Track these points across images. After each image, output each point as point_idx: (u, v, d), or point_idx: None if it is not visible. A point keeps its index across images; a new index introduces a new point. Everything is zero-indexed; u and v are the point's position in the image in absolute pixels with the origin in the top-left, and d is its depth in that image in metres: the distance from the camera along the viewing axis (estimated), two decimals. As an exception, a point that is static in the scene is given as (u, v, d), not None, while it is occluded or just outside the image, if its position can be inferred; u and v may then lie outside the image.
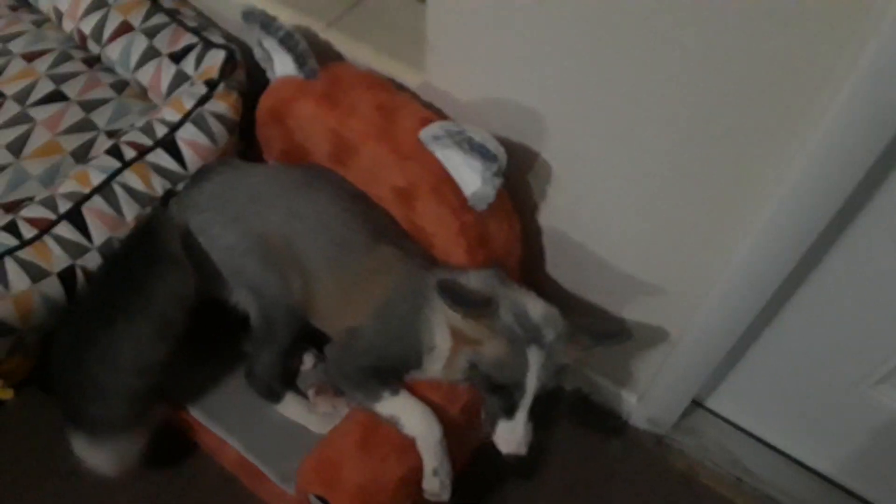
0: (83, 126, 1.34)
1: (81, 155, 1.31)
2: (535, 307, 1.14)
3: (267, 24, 1.26)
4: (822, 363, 1.35)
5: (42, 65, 1.39)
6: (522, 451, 1.12)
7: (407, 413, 1.19)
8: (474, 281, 1.17)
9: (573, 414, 1.66)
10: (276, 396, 1.34)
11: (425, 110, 1.26)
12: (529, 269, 1.42)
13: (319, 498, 1.18)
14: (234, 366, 1.39)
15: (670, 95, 1.00)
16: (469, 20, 1.12)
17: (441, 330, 1.17)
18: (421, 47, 1.28)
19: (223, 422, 1.36)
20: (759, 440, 1.59)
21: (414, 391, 1.22)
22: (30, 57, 1.40)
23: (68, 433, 1.20)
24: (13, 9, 1.51)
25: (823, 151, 0.93)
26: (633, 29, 0.96)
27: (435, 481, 1.18)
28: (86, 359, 1.15)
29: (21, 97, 1.34)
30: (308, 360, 1.43)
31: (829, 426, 1.45)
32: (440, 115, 1.30)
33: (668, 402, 1.54)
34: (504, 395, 1.11)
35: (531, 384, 1.09)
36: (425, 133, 1.18)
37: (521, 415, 1.11)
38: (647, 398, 1.56)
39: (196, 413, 1.38)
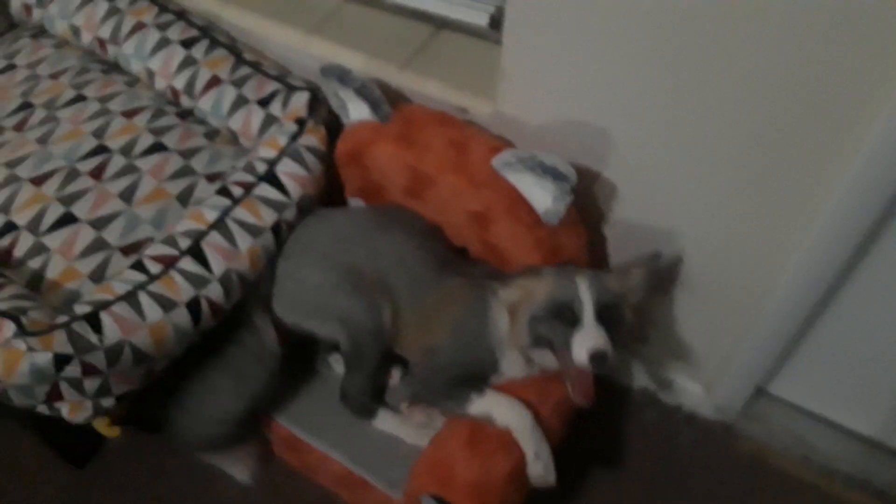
0: (184, 172, 1.47)
1: (185, 197, 1.44)
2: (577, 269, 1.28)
3: (344, 77, 1.40)
4: (879, 338, 1.45)
5: (141, 120, 1.53)
6: (602, 345, 1.16)
7: (496, 407, 1.30)
8: None
9: (645, 411, 1.76)
10: (370, 413, 1.45)
11: (493, 140, 1.40)
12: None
13: (434, 497, 1.28)
14: (332, 386, 1.49)
15: (735, 107, 1.13)
16: (542, 51, 1.26)
17: (504, 330, 1.29)
18: (489, 79, 1.42)
19: (326, 437, 1.47)
20: (821, 419, 1.69)
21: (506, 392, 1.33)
22: (129, 114, 1.54)
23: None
24: (105, 72, 1.65)
25: (881, 142, 1.05)
26: (700, 47, 1.09)
27: (538, 465, 1.28)
28: (173, 407, 1.40)
29: (126, 150, 1.47)
30: (396, 376, 1.54)
31: (890, 397, 1.55)
32: (506, 142, 1.43)
33: (735, 389, 1.64)
34: (567, 316, 1.19)
35: (586, 295, 1.19)
36: (498, 160, 1.31)
37: (589, 319, 1.18)
38: (714, 387, 1.67)
39: (299, 432, 1.49)
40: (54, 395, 1.18)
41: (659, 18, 1.10)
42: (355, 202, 1.59)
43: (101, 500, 1.66)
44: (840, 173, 1.13)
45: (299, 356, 1.54)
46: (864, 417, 1.64)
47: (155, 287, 1.25)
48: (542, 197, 1.30)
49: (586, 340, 1.17)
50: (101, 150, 1.47)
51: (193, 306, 1.27)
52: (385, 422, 1.45)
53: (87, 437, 1.66)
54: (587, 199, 1.43)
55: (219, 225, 1.33)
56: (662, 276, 1.47)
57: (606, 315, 1.20)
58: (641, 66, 1.17)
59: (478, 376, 1.35)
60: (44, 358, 1.13)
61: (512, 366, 1.33)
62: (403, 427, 1.44)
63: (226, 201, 1.36)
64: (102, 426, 1.52)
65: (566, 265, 1.29)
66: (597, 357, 1.16)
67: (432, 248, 1.43)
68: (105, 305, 1.20)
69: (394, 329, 1.41)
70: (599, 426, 1.72)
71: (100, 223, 1.38)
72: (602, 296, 1.20)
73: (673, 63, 1.14)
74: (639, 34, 1.13)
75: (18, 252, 1.34)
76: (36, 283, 1.32)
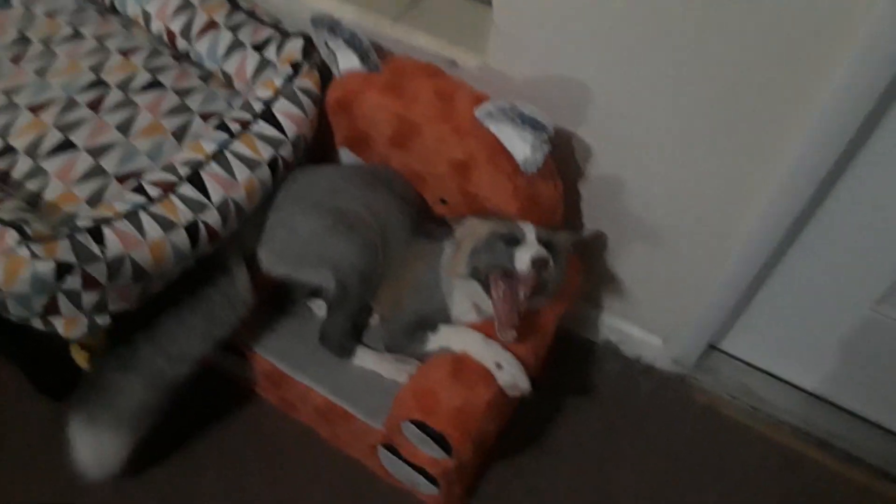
0: (180, 109, 1.51)
1: (181, 134, 1.49)
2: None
3: (334, 27, 1.46)
4: (822, 294, 1.58)
5: (137, 59, 1.57)
6: (544, 254, 1.29)
7: (449, 336, 1.43)
8: None
9: (607, 361, 1.87)
10: (349, 352, 1.52)
11: (477, 92, 1.47)
12: (569, 226, 1.64)
13: (416, 424, 1.36)
14: (313, 326, 1.56)
15: (711, 59, 1.23)
16: (532, 6, 1.34)
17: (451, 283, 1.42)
18: (478, 35, 1.50)
19: (307, 371, 1.53)
20: (769, 374, 1.82)
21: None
22: (126, 53, 1.57)
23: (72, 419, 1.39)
24: (100, 13, 1.68)
25: (834, 102, 1.17)
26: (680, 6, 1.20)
27: (504, 374, 1.36)
28: (144, 341, 1.39)
29: (123, 85, 1.51)
30: (374, 319, 1.61)
31: (832, 352, 1.68)
32: (490, 96, 1.50)
33: (690, 343, 1.76)
34: (509, 239, 1.33)
35: (528, 227, 1.35)
36: (480, 111, 1.40)
37: (531, 239, 1.33)
38: (672, 341, 1.78)
39: (282, 365, 1.55)
40: (51, 308, 1.22)
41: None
42: (343, 151, 1.65)
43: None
44: (796, 134, 1.24)
45: (281, 296, 1.60)
46: (807, 373, 1.77)
47: (155, 208, 1.30)
48: (521, 146, 1.39)
49: (529, 249, 1.30)
50: (98, 83, 1.51)
51: (192, 229, 1.32)
52: (364, 359, 1.52)
53: (64, 369, 1.68)
54: (565, 153, 1.53)
55: (218, 156, 1.39)
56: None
57: (545, 245, 1.33)
58: (621, 22, 1.27)
59: (434, 321, 1.46)
60: (46, 266, 1.16)
61: (461, 312, 1.45)
62: (382, 363, 1.51)
63: (224, 136, 1.41)
64: (80, 358, 1.55)
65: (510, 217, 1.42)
66: (538, 262, 1.28)
67: (409, 211, 1.55)
68: (107, 221, 1.25)
69: (379, 274, 1.50)
70: (565, 376, 1.82)
71: (97, 151, 1.42)
72: (542, 232, 1.35)
73: (650, 17, 1.24)
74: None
75: (17, 174, 1.38)
76: (34, 203, 1.35)
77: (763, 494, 1.68)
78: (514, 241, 1.33)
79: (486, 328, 1.41)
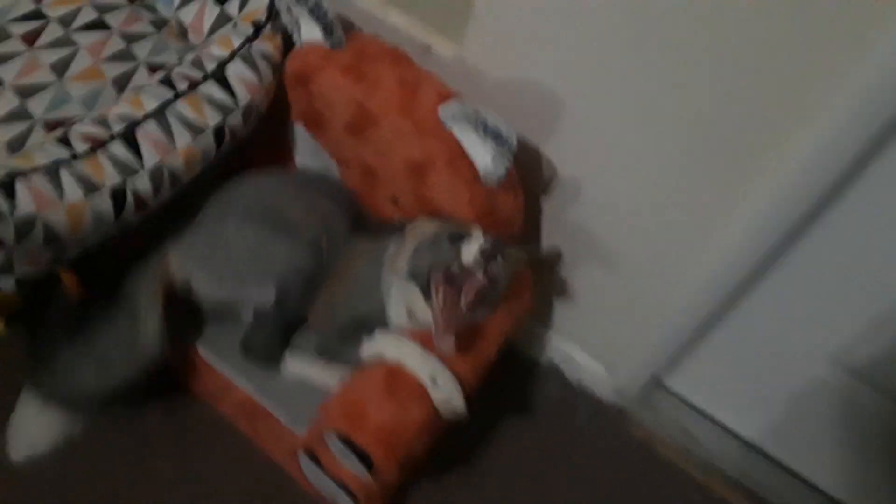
0: (124, 55, 1.38)
1: (122, 83, 1.35)
2: None
3: None
4: (775, 346, 1.53)
5: (86, -7, 1.43)
6: (493, 247, 1.20)
7: (384, 343, 1.31)
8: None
9: (548, 383, 1.80)
10: (276, 362, 1.40)
11: (444, 87, 1.37)
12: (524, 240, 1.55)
13: (340, 438, 1.25)
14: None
15: (693, 81, 1.15)
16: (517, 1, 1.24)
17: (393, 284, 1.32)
18: (456, 20, 1.38)
19: (232, 363, 1.41)
20: (709, 417, 1.76)
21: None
22: (73, -16, 1.43)
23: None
24: (52, -64, 1.53)
25: (811, 154, 1.11)
26: (669, 20, 1.11)
27: (439, 392, 1.26)
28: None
29: (65, 21, 1.37)
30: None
31: (776, 405, 1.63)
32: (457, 93, 1.40)
33: (633, 375, 1.70)
34: (455, 239, 1.23)
35: (475, 229, 1.25)
36: (444, 111, 1.29)
37: (478, 236, 1.23)
38: (615, 371, 1.72)
39: (205, 352, 1.43)
40: (-52, 265, 1.09)
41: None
42: (298, 128, 1.53)
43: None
44: (767, 179, 1.18)
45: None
46: (747, 421, 1.73)
47: (78, 165, 1.17)
48: (483, 155, 1.29)
49: (476, 242, 1.21)
50: (37, 15, 1.36)
51: (118, 194, 1.20)
52: (294, 367, 1.40)
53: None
54: (530, 162, 1.43)
55: (157, 115, 1.25)
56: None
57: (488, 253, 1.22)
58: (609, 36, 1.19)
59: (369, 324, 1.35)
60: (-59, 216, 1.03)
61: (397, 315, 1.34)
62: (313, 370, 1.40)
63: (168, 92, 1.28)
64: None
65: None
66: (486, 252, 1.19)
67: (347, 211, 1.45)
68: (22, 174, 1.11)
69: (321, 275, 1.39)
70: (502, 392, 1.74)
71: (25, 91, 1.28)
72: (489, 238, 1.23)
73: (638, 38, 1.16)
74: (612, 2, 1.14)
75: (-73, 105, 1.23)
76: (-57, 140, 1.21)
77: (685, 540, 1.63)
78: (461, 238, 1.23)
79: (425, 338, 1.31)
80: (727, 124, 1.16)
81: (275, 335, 1.38)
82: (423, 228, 1.31)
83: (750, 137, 1.15)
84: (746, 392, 1.67)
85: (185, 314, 1.39)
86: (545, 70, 1.30)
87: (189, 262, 1.36)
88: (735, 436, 1.75)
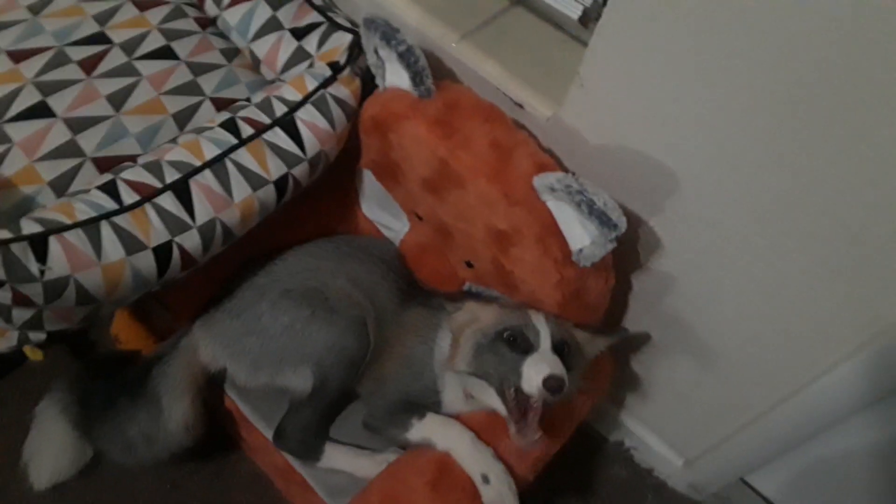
0: (190, 89, 1.27)
1: (184, 119, 1.25)
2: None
3: (388, 36, 1.18)
4: (875, 475, 1.35)
5: (154, 16, 1.32)
6: (557, 370, 1.04)
7: (434, 429, 1.19)
8: None
9: (616, 466, 1.64)
10: (315, 454, 1.27)
11: (542, 154, 1.22)
12: (608, 320, 1.39)
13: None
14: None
15: (842, 192, 0.96)
16: (633, 64, 1.07)
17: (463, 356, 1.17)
18: (556, 77, 1.23)
19: (274, 422, 1.30)
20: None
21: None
22: (143, 6, 1.32)
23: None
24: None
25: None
26: (822, 110, 0.92)
27: (490, 490, 1.13)
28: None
29: (129, 47, 1.27)
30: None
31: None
32: (556, 161, 1.26)
33: (718, 474, 1.53)
34: (519, 343, 1.10)
35: (541, 324, 1.11)
36: (541, 181, 1.13)
37: (545, 346, 1.09)
38: (695, 465, 1.55)
39: (247, 411, 1.33)
40: (-27, 315, 1.01)
41: (783, 64, 0.91)
42: (368, 175, 1.40)
43: (18, 414, 1.47)
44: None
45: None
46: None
47: (123, 221, 1.06)
48: (580, 235, 1.13)
49: (541, 365, 1.05)
50: (99, 38, 1.27)
51: (163, 252, 1.09)
52: (334, 460, 1.27)
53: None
54: (625, 240, 1.26)
55: (215, 164, 1.14)
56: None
57: (561, 351, 1.10)
58: (740, 116, 1.00)
59: (420, 406, 1.22)
60: (-31, 274, 0.94)
61: (452, 399, 1.23)
62: (356, 462, 1.26)
63: (230, 138, 1.17)
64: (28, 350, 1.34)
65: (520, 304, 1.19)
66: (552, 382, 1.03)
67: (396, 278, 1.35)
68: (58, 229, 1.01)
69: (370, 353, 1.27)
70: (567, 470, 1.58)
71: (78, 124, 1.18)
72: (558, 330, 1.12)
73: (779, 122, 0.97)
74: (749, 75, 0.95)
75: (-27, 134, 1.14)
76: (-14, 176, 1.12)
77: None
78: (525, 343, 1.10)
79: (479, 424, 1.19)
80: (880, 243, 0.98)
81: (312, 425, 1.26)
82: (479, 316, 1.18)
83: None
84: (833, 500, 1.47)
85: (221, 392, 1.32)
86: (653, 144, 1.13)
87: (222, 351, 1.26)
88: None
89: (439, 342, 1.23)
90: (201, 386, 1.27)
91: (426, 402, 1.23)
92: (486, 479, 1.13)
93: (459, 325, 1.19)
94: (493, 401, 1.13)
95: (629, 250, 1.28)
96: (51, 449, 1.28)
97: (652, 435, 1.60)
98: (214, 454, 1.52)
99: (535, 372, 1.05)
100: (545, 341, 1.10)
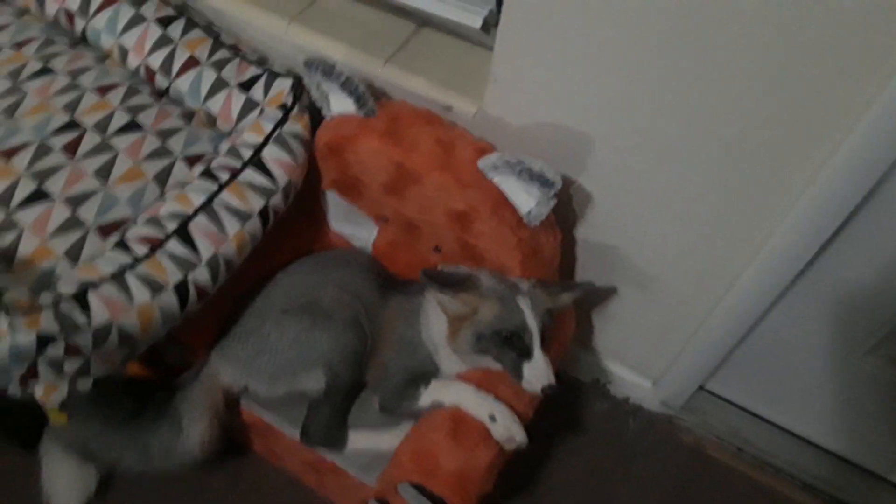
0: (161, 152, 1.44)
1: (163, 179, 1.41)
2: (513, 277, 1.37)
3: (328, 71, 1.40)
4: (814, 343, 1.58)
5: (115, 98, 1.48)
6: (552, 380, 1.27)
7: (440, 390, 1.39)
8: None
9: (595, 401, 1.86)
10: (341, 444, 1.45)
11: (478, 141, 1.44)
12: (562, 275, 1.61)
13: (413, 486, 1.31)
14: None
15: (713, 111, 1.21)
16: (533, 56, 1.31)
17: (438, 332, 1.39)
18: (473, 79, 1.46)
19: (297, 424, 1.47)
20: (755, 415, 1.82)
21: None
22: (101, 91, 1.49)
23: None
24: (72, 46, 1.59)
25: (843, 165, 1.16)
26: (684, 61, 1.17)
27: (499, 427, 1.33)
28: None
29: (100, 127, 1.43)
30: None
31: (819, 398, 1.69)
32: (490, 145, 1.47)
33: (680, 386, 1.76)
34: (515, 342, 1.29)
35: (532, 323, 1.29)
36: (484, 162, 1.36)
37: (538, 351, 1.29)
38: (661, 383, 1.78)
39: (269, 418, 1.49)
40: (29, 375, 1.15)
41: (648, 31, 1.16)
42: (331, 195, 1.59)
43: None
44: (799, 196, 1.24)
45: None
46: (794, 416, 1.79)
47: (141, 269, 1.23)
48: (526, 200, 1.35)
49: (539, 375, 1.28)
50: (73, 125, 1.42)
51: (181, 289, 1.26)
52: (357, 442, 1.46)
53: (33, 419, 1.60)
54: (562, 201, 1.49)
55: (206, 208, 1.32)
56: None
57: (544, 337, 1.30)
58: (628, 75, 1.24)
59: (424, 376, 1.42)
60: (27, 338, 1.09)
61: (450, 365, 1.42)
62: (377, 439, 1.45)
63: (212, 185, 1.34)
64: (53, 413, 1.47)
65: (503, 277, 1.37)
66: (549, 391, 1.28)
67: (374, 277, 1.53)
68: (92, 286, 1.18)
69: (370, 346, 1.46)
70: (553, 416, 1.78)
71: (74, 201, 1.34)
72: (542, 320, 1.31)
73: (658, 75, 1.21)
74: (628, 45, 1.20)
75: (-13, 228, 1.29)
76: (8, 260, 1.26)
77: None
78: (522, 346, 1.30)
79: (477, 377, 1.39)
80: (753, 147, 1.22)
81: (332, 418, 1.44)
82: (476, 308, 1.32)
83: (779, 155, 1.21)
84: (790, 388, 1.72)
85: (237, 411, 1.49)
86: (569, 114, 1.36)
87: (241, 373, 1.43)
88: (784, 430, 1.81)
89: (423, 321, 1.42)
90: (220, 410, 1.43)
91: (426, 373, 1.42)
92: (493, 419, 1.33)
93: (458, 314, 1.33)
94: (495, 366, 1.35)
95: (567, 208, 1.50)
96: (65, 483, 1.48)
97: (621, 367, 1.82)
98: (245, 471, 1.66)
99: (535, 378, 1.28)
100: (537, 342, 1.29)
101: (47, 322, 1.11)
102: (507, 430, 1.33)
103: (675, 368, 1.71)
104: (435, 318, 1.40)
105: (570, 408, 1.85)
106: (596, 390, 1.88)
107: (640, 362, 1.79)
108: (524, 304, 1.30)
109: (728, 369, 1.76)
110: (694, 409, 1.82)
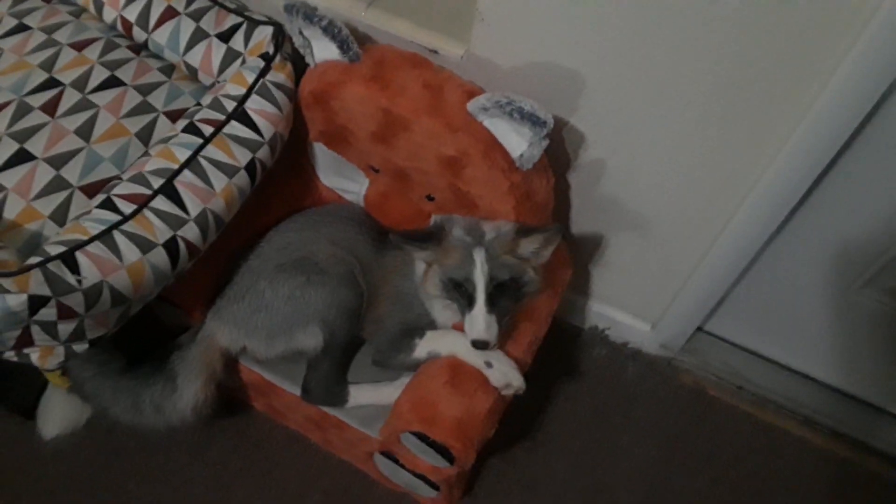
0: (143, 109, 1.40)
1: (146, 136, 1.38)
2: (492, 223, 1.35)
3: (309, 15, 1.34)
4: (808, 278, 1.58)
5: (92, 53, 1.44)
6: (484, 336, 1.27)
7: (435, 340, 1.39)
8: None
9: (595, 347, 1.85)
10: (342, 400, 1.45)
11: (466, 84, 1.39)
12: (556, 218, 1.60)
13: (415, 434, 1.31)
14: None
15: (705, 48, 1.18)
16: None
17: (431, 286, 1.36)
18: (459, 21, 1.41)
19: (298, 381, 1.47)
20: (753, 353, 1.83)
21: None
22: (78, 46, 1.44)
23: None
24: (46, 1, 1.54)
25: (834, 98, 1.13)
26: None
27: (495, 373, 1.33)
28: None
29: (80, 85, 1.39)
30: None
31: (816, 333, 1.69)
32: (478, 87, 1.43)
33: (678, 328, 1.75)
34: (463, 292, 1.30)
35: (479, 277, 1.28)
36: (473, 105, 1.32)
37: (479, 305, 1.28)
38: (659, 326, 1.77)
39: (270, 377, 1.49)
40: (24, 341, 1.14)
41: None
42: (318, 147, 1.56)
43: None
44: (789, 130, 1.22)
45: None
46: (791, 352, 1.79)
47: (129, 227, 1.21)
48: (518, 142, 1.32)
49: (473, 327, 1.28)
50: (52, 83, 1.39)
51: (171, 246, 1.23)
52: (359, 398, 1.45)
53: (33, 386, 1.60)
54: (554, 143, 1.46)
55: (191, 164, 1.29)
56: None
57: (500, 291, 1.30)
58: (620, 8, 1.20)
59: (419, 329, 1.41)
60: (17, 300, 1.07)
61: (444, 318, 1.41)
62: (378, 393, 1.45)
63: (196, 140, 1.31)
64: (54, 377, 1.47)
65: (476, 227, 1.35)
66: (478, 345, 1.28)
67: (367, 231, 1.52)
68: (80, 246, 1.15)
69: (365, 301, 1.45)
70: (553, 363, 1.79)
71: (58, 161, 1.31)
72: (496, 273, 1.29)
73: (652, 8, 1.18)
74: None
75: (-31, 192, 1.26)
76: (-8, 223, 1.24)
77: (751, 474, 1.70)
78: (467, 296, 1.30)
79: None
80: (747, 81, 1.19)
81: (332, 374, 1.43)
82: (440, 256, 1.34)
83: (769, 90, 1.18)
84: (787, 325, 1.72)
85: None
86: (559, 53, 1.32)
87: (238, 333, 1.42)
88: (782, 366, 1.81)
89: (419, 273, 1.40)
90: (217, 371, 1.42)
91: (420, 325, 1.41)
92: (489, 365, 1.33)
93: (429, 258, 1.35)
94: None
95: (559, 151, 1.48)
96: (56, 411, 1.52)
97: (619, 311, 1.82)
98: (249, 430, 1.66)
99: (469, 329, 1.29)
100: (481, 295, 1.28)
101: (37, 283, 1.09)
102: (504, 375, 1.33)
103: (673, 310, 1.70)
104: (422, 269, 1.39)
105: (570, 355, 1.85)
106: (594, 336, 1.87)
107: (638, 306, 1.78)
108: (477, 256, 1.29)
109: (726, 309, 1.76)
110: (693, 351, 1.82)
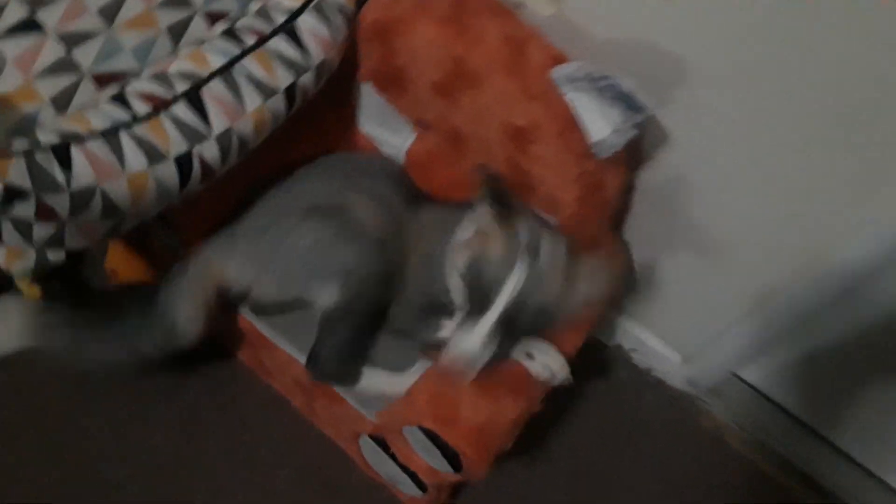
0: (179, 1, 1.21)
1: (177, 33, 1.19)
2: (550, 239, 1.10)
3: None
4: (868, 354, 1.43)
5: (135, -78, 1.25)
6: (468, 354, 1.07)
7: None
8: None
9: (615, 368, 1.70)
10: (352, 378, 1.27)
11: (554, 47, 1.22)
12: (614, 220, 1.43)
13: (424, 431, 1.14)
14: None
15: (840, 59, 1.01)
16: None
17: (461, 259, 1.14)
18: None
19: (294, 338, 1.30)
20: (785, 410, 1.66)
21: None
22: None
23: None
24: None
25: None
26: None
27: (537, 366, 1.18)
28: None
29: (113, -43, 1.20)
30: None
31: (860, 409, 1.53)
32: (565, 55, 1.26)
33: (713, 367, 1.60)
34: (481, 290, 1.08)
35: (506, 290, 1.06)
36: (559, 72, 1.15)
37: (488, 320, 1.07)
38: (692, 361, 1.61)
39: (265, 329, 1.32)
40: (-10, 236, 0.96)
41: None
42: (367, 88, 1.38)
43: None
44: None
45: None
46: (825, 417, 1.63)
47: (140, 130, 1.03)
48: (601, 125, 1.15)
49: (462, 338, 1.07)
50: (82, -51, 1.19)
51: (183, 162, 1.06)
52: (372, 382, 1.28)
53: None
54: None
55: (224, 73, 1.11)
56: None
57: (517, 313, 1.07)
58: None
59: (445, 307, 1.22)
60: (-10, 188, 0.89)
61: (460, 297, 1.19)
62: (394, 383, 1.27)
63: (234, 48, 1.13)
64: (23, 284, 1.28)
65: (541, 228, 1.12)
66: (455, 359, 1.08)
67: (404, 191, 1.34)
68: (78, 139, 0.97)
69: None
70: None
71: (71, 39, 1.11)
72: (527, 297, 1.07)
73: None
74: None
75: (-37, 53, 1.07)
76: (-18, 94, 1.05)
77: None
78: (486, 302, 1.08)
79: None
80: (875, 108, 1.03)
81: (347, 346, 1.25)
82: (483, 240, 1.11)
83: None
84: (832, 395, 1.57)
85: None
86: (664, 31, 1.15)
87: (250, 269, 1.25)
88: (815, 433, 1.65)
89: (459, 238, 1.18)
90: (211, 306, 1.24)
91: (447, 303, 1.21)
92: (530, 356, 1.18)
93: (480, 232, 1.12)
94: None
95: (636, 145, 1.30)
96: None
97: (650, 335, 1.66)
98: (227, 382, 1.50)
99: (456, 336, 1.08)
100: (494, 311, 1.07)
101: (17, 173, 0.91)
102: (547, 366, 1.18)
103: (711, 347, 1.54)
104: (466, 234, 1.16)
105: (587, 369, 1.67)
106: (618, 356, 1.72)
107: (673, 334, 1.62)
108: (518, 266, 1.07)
109: (769, 360, 1.59)
110: (719, 393, 1.67)
